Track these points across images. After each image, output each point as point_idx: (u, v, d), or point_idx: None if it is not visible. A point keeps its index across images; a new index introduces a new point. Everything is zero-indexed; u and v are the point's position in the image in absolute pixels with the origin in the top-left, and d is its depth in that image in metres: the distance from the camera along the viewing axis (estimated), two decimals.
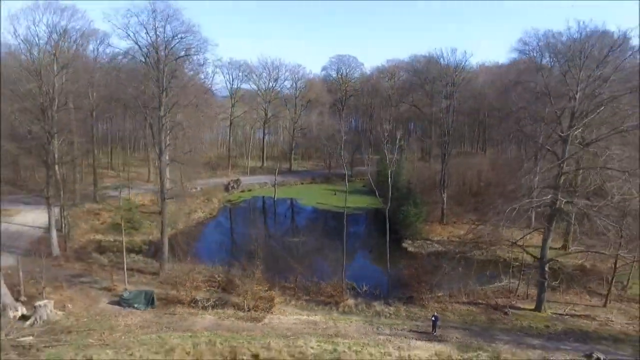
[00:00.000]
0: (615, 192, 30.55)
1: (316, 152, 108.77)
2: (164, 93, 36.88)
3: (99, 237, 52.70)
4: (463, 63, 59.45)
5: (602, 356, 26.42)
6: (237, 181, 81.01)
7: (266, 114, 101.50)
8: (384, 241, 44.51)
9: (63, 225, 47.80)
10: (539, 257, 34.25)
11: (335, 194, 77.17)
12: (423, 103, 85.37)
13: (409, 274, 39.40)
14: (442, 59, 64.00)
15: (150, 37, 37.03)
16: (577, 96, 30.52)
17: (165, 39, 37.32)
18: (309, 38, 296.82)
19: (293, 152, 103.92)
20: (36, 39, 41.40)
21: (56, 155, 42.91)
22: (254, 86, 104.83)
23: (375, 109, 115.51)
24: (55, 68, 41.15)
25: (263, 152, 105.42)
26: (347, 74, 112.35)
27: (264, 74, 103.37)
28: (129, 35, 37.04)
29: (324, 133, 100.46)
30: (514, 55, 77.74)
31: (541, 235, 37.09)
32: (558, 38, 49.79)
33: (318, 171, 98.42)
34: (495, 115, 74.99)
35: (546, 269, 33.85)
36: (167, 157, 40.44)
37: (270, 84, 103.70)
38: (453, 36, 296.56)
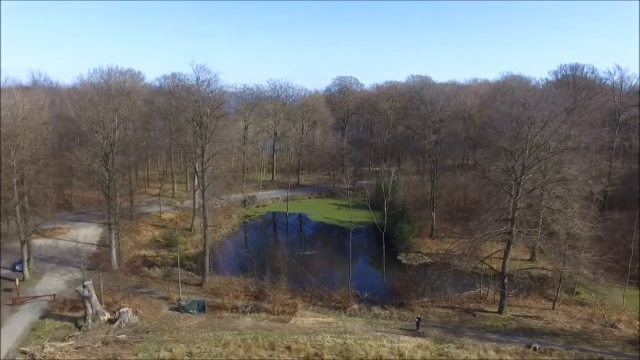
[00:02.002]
0: (556, 224, 40.70)
1: (321, 166, 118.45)
2: (207, 145, 47.02)
3: (142, 252, 62.57)
4: (449, 103, 69.32)
5: (537, 346, 36.41)
6: (252, 197, 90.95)
7: (275, 133, 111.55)
8: (382, 253, 54.66)
9: (116, 243, 57.73)
10: (501, 271, 44.24)
11: (339, 209, 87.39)
12: (417, 125, 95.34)
13: (400, 285, 49.60)
14: (429, 95, 73.92)
15: (195, 100, 47.02)
16: (527, 152, 40.58)
17: (207, 101, 47.35)
18: (313, 60, 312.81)
19: (300, 167, 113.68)
20: (101, 98, 51.37)
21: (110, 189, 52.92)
22: (264, 106, 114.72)
23: (375, 125, 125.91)
24: (116, 121, 51.07)
25: (273, 167, 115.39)
26: (348, 93, 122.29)
27: (273, 97, 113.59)
28: (179, 99, 47.00)
29: (327, 149, 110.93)
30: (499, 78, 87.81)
31: (516, 249, 47.02)
32: (525, 84, 59.49)
33: (323, 185, 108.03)
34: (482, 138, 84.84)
35: (505, 281, 43.81)
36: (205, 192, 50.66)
37: (279, 105, 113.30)
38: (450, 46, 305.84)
